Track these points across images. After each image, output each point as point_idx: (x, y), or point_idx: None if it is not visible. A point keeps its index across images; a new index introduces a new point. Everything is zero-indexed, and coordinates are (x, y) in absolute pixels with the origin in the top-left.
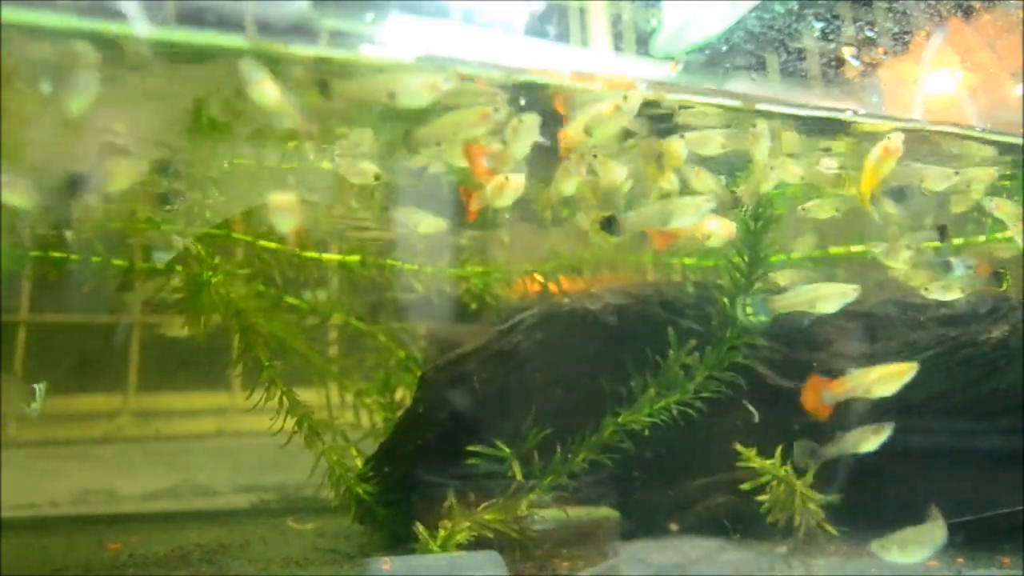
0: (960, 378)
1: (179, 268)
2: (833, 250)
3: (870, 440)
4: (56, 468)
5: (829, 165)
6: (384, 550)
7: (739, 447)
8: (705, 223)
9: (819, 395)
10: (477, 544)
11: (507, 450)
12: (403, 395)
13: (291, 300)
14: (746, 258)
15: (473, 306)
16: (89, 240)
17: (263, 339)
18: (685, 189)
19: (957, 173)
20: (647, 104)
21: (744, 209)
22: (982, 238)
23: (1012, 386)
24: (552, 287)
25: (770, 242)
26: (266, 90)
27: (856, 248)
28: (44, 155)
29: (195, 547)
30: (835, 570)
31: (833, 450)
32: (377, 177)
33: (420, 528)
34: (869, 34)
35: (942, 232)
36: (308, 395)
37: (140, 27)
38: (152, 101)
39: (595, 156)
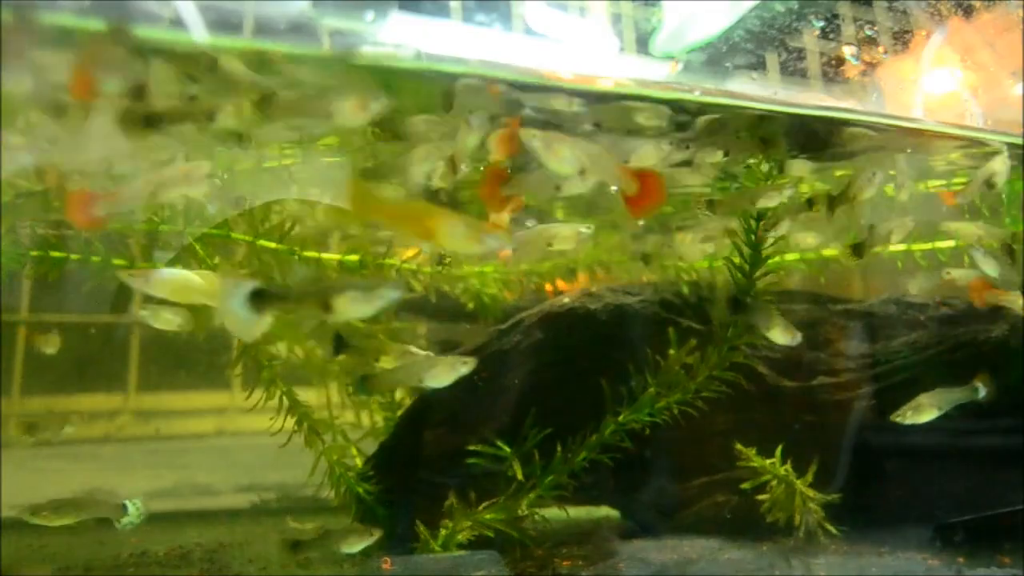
0: (960, 378)
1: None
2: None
3: None
4: (56, 468)
5: None
6: (384, 550)
7: (739, 447)
8: None
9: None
10: (478, 544)
11: (507, 450)
12: (403, 395)
13: None
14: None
15: (471, 306)
16: (89, 240)
17: (263, 339)
18: None
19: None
20: None
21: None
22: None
23: (1012, 386)
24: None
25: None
26: None
27: None
28: None
29: (195, 547)
30: (835, 570)
31: None
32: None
33: (420, 528)
34: (869, 33)
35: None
36: (308, 395)
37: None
38: None
39: None
